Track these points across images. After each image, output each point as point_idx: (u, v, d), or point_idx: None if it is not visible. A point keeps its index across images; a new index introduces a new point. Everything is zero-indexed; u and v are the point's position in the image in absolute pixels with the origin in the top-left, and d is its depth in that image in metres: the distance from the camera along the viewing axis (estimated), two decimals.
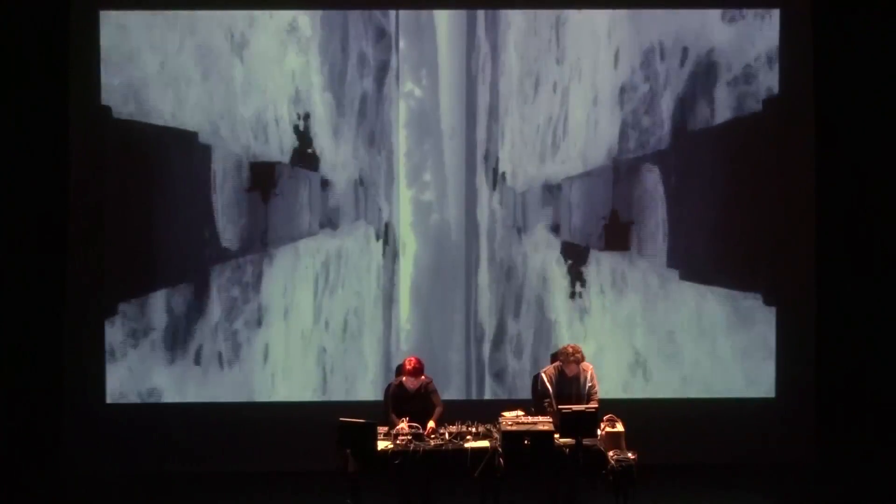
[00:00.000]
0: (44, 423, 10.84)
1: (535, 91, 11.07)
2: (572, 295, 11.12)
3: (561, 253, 11.12)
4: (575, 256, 11.11)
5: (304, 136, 11.04)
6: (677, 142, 11.00)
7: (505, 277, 11.15)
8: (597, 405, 9.06)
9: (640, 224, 11.06)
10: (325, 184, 11.07)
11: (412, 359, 9.30)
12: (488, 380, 11.14)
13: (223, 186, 11.00)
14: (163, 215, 10.96)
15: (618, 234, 11.08)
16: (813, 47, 10.89)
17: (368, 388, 11.01)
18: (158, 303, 10.97)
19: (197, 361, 11.01)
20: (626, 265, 11.08)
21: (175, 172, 10.95)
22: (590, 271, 11.11)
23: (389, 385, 9.48)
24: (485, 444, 8.81)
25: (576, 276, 11.12)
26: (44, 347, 10.86)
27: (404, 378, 9.27)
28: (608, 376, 10.90)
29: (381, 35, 11.04)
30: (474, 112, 11.12)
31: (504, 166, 11.13)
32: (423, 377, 9.29)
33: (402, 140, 11.09)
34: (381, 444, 8.76)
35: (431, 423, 9.01)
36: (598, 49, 11.01)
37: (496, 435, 8.86)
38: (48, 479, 10.70)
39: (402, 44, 11.03)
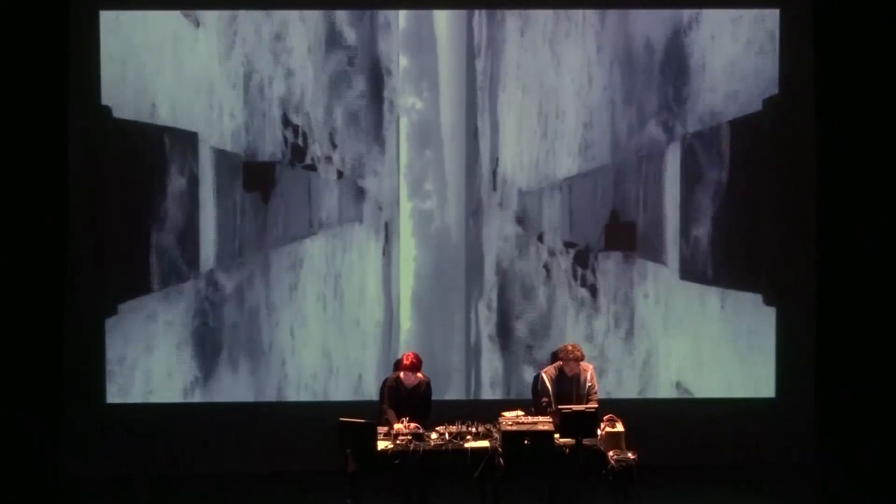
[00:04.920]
0: (44, 424, 10.83)
1: (535, 92, 11.06)
2: (572, 295, 11.12)
3: (561, 253, 11.12)
4: (575, 257, 11.11)
5: (304, 137, 11.04)
6: (677, 142, 11.00)
7: (505, 278, 11.15)
8: (596, 405, 9.07)
9: (640, 224, 11.07)
10: (324, 184, 11.07)
11: (410, 354, 9.33)
12: (488, 380, 11.14)
13: (223, 186, 11.00)
14: (163, 215, 10.96)
15: (618, 235, 11.08)
16: (813, 47, 10.89)
17: (369, 389, 11.00)
18: (158, 303, 10.96)
19: (196, 362, 11.01)
20: (626, 265, 11.08)
21: (175, 172, 10.95)
22: (590, 272, 11.11)
23: (387, 379, 9.49)
24: (485, 444, 8.81)
25: (576, 276, 11.12)
26: (44, 347, 10.85)
27: (402, 373, 9.29)
28: (608, 376, 10.91)
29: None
30: (474, 114, 11.12)
31: (504, 168, 11.13)
32: (420, 375, 9.30)
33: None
34: (381, 444, 8.77)
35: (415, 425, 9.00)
36: (597, 49, 11.01)
37: (496, 435, 8.86)
38: (48, 479, 10.69)
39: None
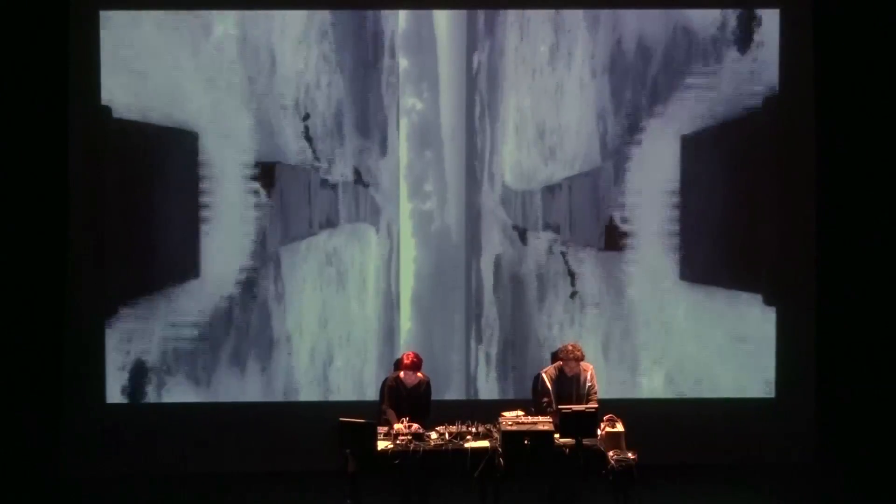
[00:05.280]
0: (44, 424, 10.83)
1: (534, 92, 11.07)
2: (572, 295, 11.12)
3: (561, 253, 11.12)
4: (575, 257, 11.11)
5: (304, 138, 11.04)
6: (677, 142, 10.99)
7: (505, 278, 11.15)
8: (597, 405, 9.07)
9: (640, 224, 11.06)
10: (325, 184, 11.07)
11: (410, 353, 9.34)
12: (488, 380, 11.15)
13: (223, 186, 11.00)
14: (163, 215, 10.96)
15: (617, 235, 11.08)
16: (813, 47, 10.90)
17: (369, 388, 11.01)
18: (158, 303, 10.96)
19: (196, 362, 11.01)
20: (625, 265, 11.08)
21: (175, 172, 10.96)
22: (589, 271, 11.11)
23: (386, 379, 9.49)
24: (485, 444, 8.81)
25: (575, 276, 11.12)
26: (44, 348, 10.86)
27: (402, 373, 9.29)
28: (608, 376, 10.90)
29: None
30: (474, 115, 11.12)
31: (504, 168, 11.13)
32: (420, 374, 9.31)
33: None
34: (381, 444, 8.77)
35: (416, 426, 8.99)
36: (596, 49, 11.01)
37: (496, 435, 8.86)
38: (48, 479, 10.69)
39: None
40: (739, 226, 11.02)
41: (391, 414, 9.18)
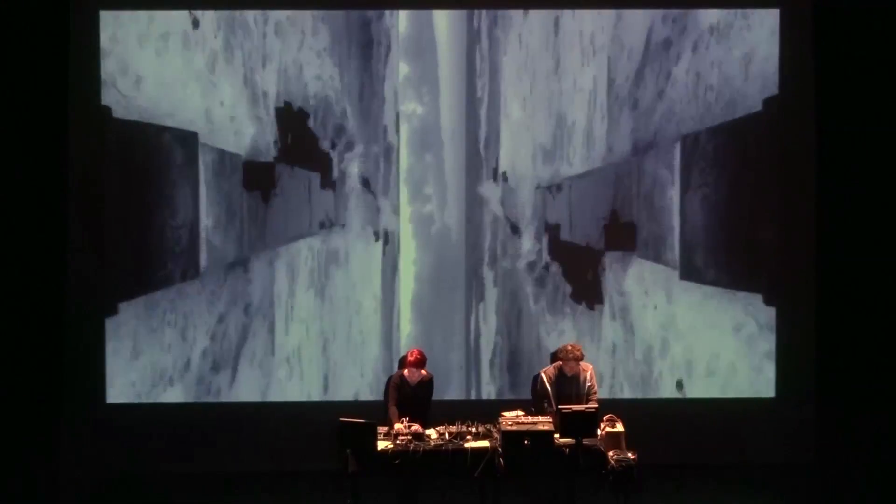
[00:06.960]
0: (44, 424, 10.83)
1: (534, 93, 11.07)
2: (573, 295, 11.12)
3: (561, 253, 11.12)
4: (575, 257, 11.11)
5: (304, 138, 11.04)
6: (677, 142, 11.00)
7: (505, 278, 11.15)
8: (597, 405, 9.07)
9: (640, 224, 11.07)
10: (324, 185, 11.07)
11: (415, 350, 9.35)
12: (488, 380, 11.14)
13: (223, 186, 11.00)
14: (163, 215, 10.96)
15: (618, 235, 11.08)
16: (813, 47, 10.90)
17: (369, 388, 11.01)
18: (158, 303, 10.96)
19: (196, 362, 11.01)
20: (625, 265, 11.08)
21: (175, 172, 10.96)
22: (590, 272, 11.11)
23: (391, 377, 9.49)
24: (485, 444, 8.81)
25: (576, 276, 11.12)
26: (44, 347, 10.85)
27: (406, 371, 9.30)
28: (608, 376, 10.91)
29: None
30: (475, 115, 11.12)
31: (504, 168, 11.13)
32: (424, 371, 9.31)
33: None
34: (381, 444, 8.77)
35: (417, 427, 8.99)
36: (597, 49, 11.01)
37: (496, 435, 8.87)
38: (48, 479, 10.69)
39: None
40: (739, 226, 11.02)
41: (393, 412, 9.18)
